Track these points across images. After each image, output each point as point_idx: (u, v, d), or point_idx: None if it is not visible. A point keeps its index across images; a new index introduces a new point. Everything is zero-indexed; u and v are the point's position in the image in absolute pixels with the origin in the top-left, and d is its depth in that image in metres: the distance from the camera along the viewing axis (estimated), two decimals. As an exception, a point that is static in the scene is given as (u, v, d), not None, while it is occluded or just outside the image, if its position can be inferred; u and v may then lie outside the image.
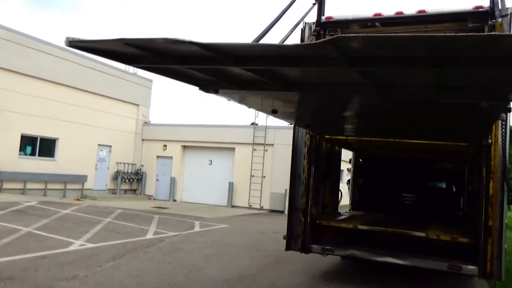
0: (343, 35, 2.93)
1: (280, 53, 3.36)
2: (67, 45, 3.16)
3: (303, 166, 7.16)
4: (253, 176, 21.93)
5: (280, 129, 21.88)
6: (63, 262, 7.56)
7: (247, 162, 22.15)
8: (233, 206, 21.98)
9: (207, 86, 4.17)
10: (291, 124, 7.22)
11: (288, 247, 7.16)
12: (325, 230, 7.24)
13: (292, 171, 7.27)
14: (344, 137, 7.22)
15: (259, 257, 9.23)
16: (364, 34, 2.75)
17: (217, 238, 11.43)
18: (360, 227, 6.88)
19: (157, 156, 24.66)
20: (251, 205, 21.74)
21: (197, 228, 13.09)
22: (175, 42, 2.95)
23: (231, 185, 22.26)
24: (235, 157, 22.68)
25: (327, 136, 7.13)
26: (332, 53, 2.99)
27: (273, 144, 21.77)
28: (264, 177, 21.73)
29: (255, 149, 22.07)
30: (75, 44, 3.18)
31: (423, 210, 10.41)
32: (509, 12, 5.75)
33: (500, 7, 5.72)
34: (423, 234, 6.45)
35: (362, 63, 3.24)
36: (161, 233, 11.50)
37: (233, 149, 22.79)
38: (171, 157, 24.23)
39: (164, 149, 24.43)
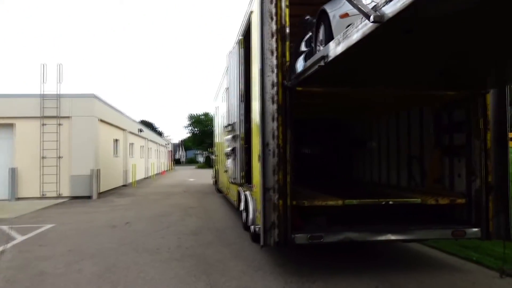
0: None
1: None
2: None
3: (273, 131, 5.44)
4: (44, 157, 17.45)
5: (78, 98, 18.04)
6: None
7: (34, 140, 17.42)
8: (18, 199, 17.10)
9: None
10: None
11: (265, 243, 5.42)
12: (303, 212, 5.78)
13: (262, 139, 5.48)
14: (321, 89, 5.72)
15: (174, 261, 6.93)
16: None
17: (69, 245, 8.23)
18: (347, 202, 5.70)
19: None
20: (44, 194, 17.35)
21: (18, 236, 9.21)
22: None
23: (13, 171, 17.14)
24: (16, 135, 17.48)
25: (299, 88, 5.51)
26: None
27: (70, 117, 17.72)
28: (61, 157, 17.58)
29: (45, 124, 17.50)
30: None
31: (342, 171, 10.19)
32: None
33: None
34: (418, 201, 5.82)
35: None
36: (-24, 253, 7.52)
37: (12, 125, 17.51)
38: None
39: None
